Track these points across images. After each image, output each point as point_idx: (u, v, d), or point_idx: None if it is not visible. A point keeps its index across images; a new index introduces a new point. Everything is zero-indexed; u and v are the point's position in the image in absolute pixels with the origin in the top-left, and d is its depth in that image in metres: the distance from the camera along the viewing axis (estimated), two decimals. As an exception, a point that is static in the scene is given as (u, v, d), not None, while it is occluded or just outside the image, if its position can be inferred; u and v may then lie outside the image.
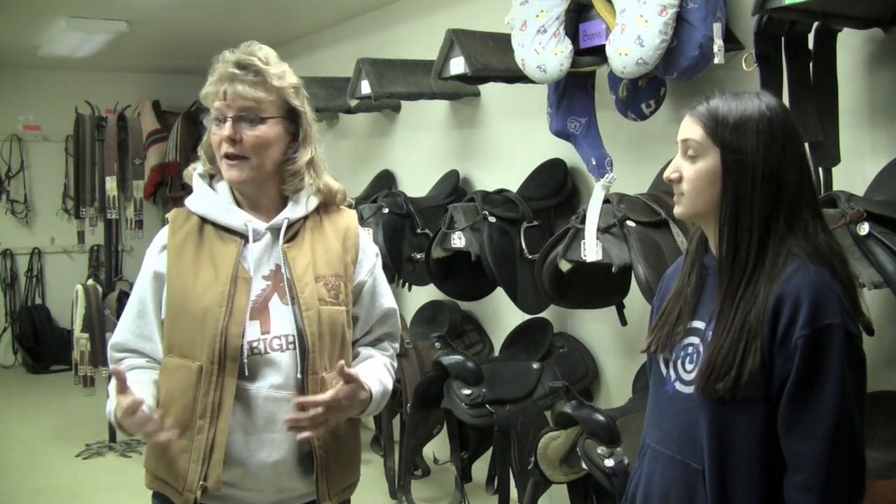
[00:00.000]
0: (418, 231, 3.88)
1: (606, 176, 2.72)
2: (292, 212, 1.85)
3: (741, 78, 2.43)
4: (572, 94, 2.81)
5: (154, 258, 1.85)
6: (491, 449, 3.32)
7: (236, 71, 1.75)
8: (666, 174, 1.58)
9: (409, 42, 4.56)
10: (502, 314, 3.92)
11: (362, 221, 3.75)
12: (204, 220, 1.84)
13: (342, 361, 1.75)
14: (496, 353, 3.87)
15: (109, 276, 6.04)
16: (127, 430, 1.69)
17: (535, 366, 3.34)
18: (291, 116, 1.83)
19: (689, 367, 1.56)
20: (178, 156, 6.35)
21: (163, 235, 1.87)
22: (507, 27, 2.84)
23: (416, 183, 4.44)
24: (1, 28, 5.41)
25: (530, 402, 3.23)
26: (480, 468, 3.51)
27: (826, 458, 1.40)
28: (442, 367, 3.25)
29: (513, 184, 3.57)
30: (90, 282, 5.73)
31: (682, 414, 1.56)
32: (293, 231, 1.85)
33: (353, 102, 4.13)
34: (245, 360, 1.74)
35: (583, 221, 2.63)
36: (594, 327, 3.49)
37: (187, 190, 1.92)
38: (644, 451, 1.67)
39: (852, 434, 1.42)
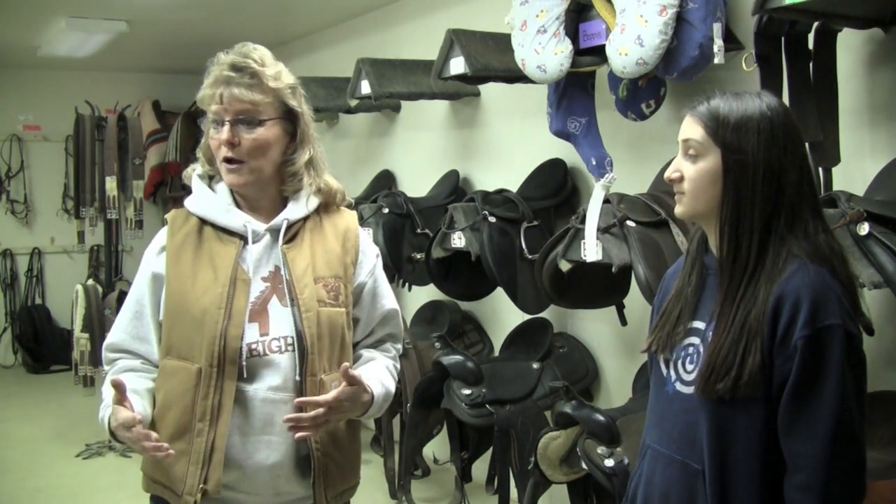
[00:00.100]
0: (418, 231, 3.87)
1: (606, 176, 2.72)
2: (292, 212, 1.84)
3: (741, 78, 2.43)
4: (572, 94, 2.81)
5: (153, 259, 1.84)
6: (491, 449, 3.32)
7: (231, 73, 1.74)
8: (667, 174, 1.58)
9: (409, 42, 4.56)
10: (502, 314, 3.92)
11: (362, 221, 3.75)
12: (203, 222, 1.83)
13: (346, 363, 1.74)
14: (496, 353, 3.87)
15: (109, 276, 6.05)
16: (121, 440, 1.68)
17: (535, 366, 3.34)
18: (289, 117, 1.82)
19: (689, 367, 1.56)
20: (178, 156, 6.35)
21: (162, 236, 1.86)
22: (507, 27, 2.84)
23: (416, 183, 4.44)
24: (1, 28, 5.41)
25: (530, 402, 3.23)
26: (480, 468, 3.51)
27: (826, 458, 1.40)
28: (442, 367, 3.25)
29: (513, 184, 3.57)
30: (90, 282, 5.73)
31: (682, 414, 1.56)
32: (293, 232, 1.84)
33: (353, 102, 4.13)
34: (244, 363, 1.73)
35: (583, 221, 2.63)
36: (594, 327, 3.49)
37: (187, 190, 1.91)
38: (644, 452, 1.67)
39: (852, 434, 1.42)
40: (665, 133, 2.99)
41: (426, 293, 4.22)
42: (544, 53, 2.70)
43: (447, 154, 4.36)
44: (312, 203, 1.87)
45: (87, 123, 6.12)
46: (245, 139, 1.75)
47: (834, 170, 2.34)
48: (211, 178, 1.89)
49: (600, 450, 2.46)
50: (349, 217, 1.95)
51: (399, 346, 2.03)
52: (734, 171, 1.49)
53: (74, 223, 6.57)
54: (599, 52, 2.64)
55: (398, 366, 2.00)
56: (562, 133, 2.85)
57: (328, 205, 1.92)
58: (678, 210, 1.59)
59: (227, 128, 1.75)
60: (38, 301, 7.24)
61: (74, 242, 6.79)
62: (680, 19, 2.41)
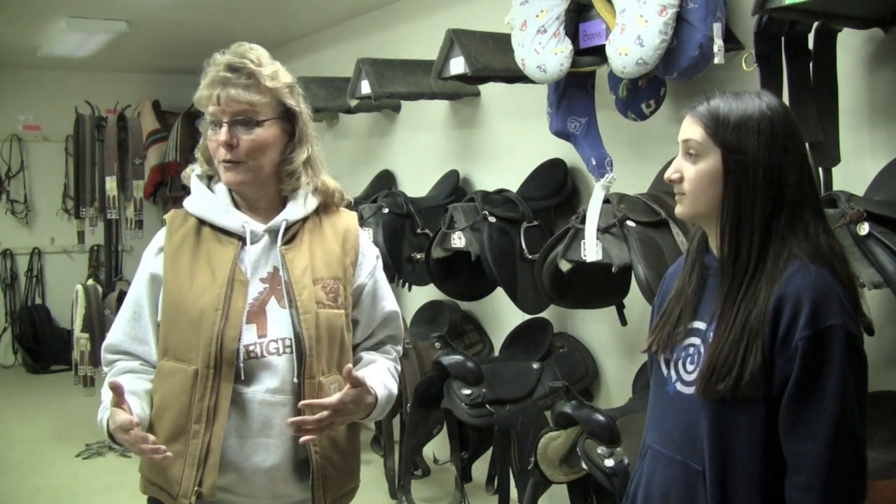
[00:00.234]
0: (418, 231, 3.87)
1: (606, 176, 2.72)
2: (291, 213, 1.83)
3: (741, 78, 2.43)
4: (572, 94, 2.81)
5: (151, 260, 1.84)
6: (491, 449, 3.32)
7: (228, 74, 1.73)
8: (667, 175, 1.58)
9: (409, 42, 4.56)
10: (502, 314, 3.92)
11: (362, 221, 3.75)
12: (202, 222, 1.82)
13: (349, 365, 1.74)
14: (496, 353, 3.87)
15: (109, 276, 6.05)
16: (119, 442, 1.68)
17: (535, 366, 3.34)
18: (287, 116, 1.81)
19: (689, 367, 1.56)
20: (178, 156, 6.36)
21: (160, 237, 1.86)
22: (507, 27, 2.84)
23: (416, 183, 4.44)
24: (1, 28, 5.41)
25: (530, 402, 3.23)
26: (480, 468, 3.51)
27: (827, 458, 1.40)
28: (442, 367, 3.25)
29: (513, 184, 3.57)
30: (90, 282, 5.74)
31: (682, 414, 1.56)
32: (292, 233, 1.83)
33: (353, 102, 4.13)
34: (241, 365, 1.73)
35: (583, 221, 2.63)
36: (594, 327, 3.49)
37: (187, 190, 1.90)
38: (644, 452, 1.67)
39: (853, 435, 1.42)
40: (665, 133, 2.99)
41: (426, 293, 4.22)
42: (544, 53, 2.70)
43: (447, 154, 4.36)
44: (311, 203, 1.86)
45: (87, 123, 6.13)
46: (243, 140, 1.75)
47: (834, 170, 2.34)
48: (210, 179, 1.88)
49: (600, 450, 2.46)
50: (349, 218, 1.94)
51: (399, 347, 2.02)
52: (734, 171, 1.48)
53: (74, 223, 6.58)
54: (599, 52, 2.64)
55: (399, 367, 1.99)
56: (562, 133, 2.85)
57: (327, 205, 1.91)
58: (678, 210, 1.59)
59: (224, 129, 1.74)
60: (38, 301, 7.24)
61: (74, 242, 6.80)
62: (680, 19, 2.41)
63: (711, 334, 1.51)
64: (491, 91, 3.93)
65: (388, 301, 1.96)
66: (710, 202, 1.52)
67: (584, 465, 2.51)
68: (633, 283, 2.80)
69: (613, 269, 2.52)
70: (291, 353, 1.76)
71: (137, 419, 1.65)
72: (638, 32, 2.42)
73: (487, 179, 4.01)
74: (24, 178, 7.20)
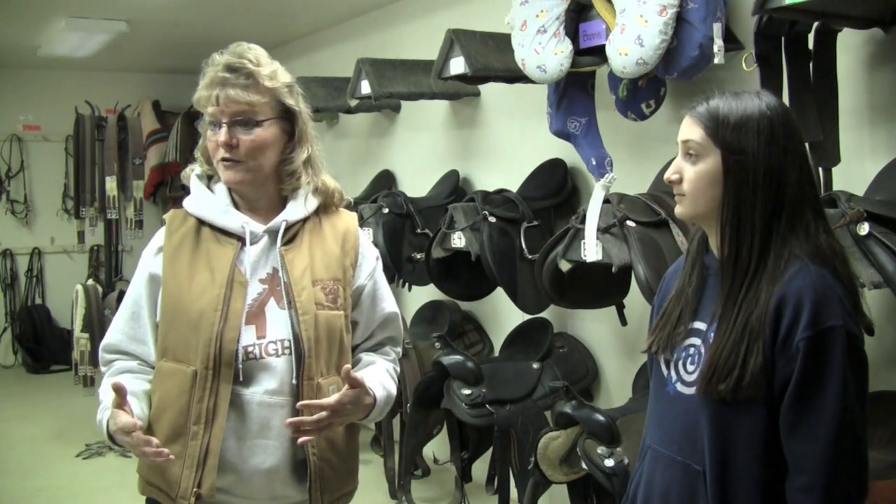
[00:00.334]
0: (418, 231, 3.87)
1: (606, 176, 2.72)
2: (291, 214, 1.83)
3: (741, 78, 2.43)
4: (572, 94, 2.81)
5: (150, 260, 1.83)
6: (491, 449, 3.32)
7: (227, 75, 1.73)
8: (666, 175, 1.58)
9: (409, 42, 4.56)
10: (502, 314, 3.92)
11: (362, 221, 3.75)
12: (201, 222, 1.82)
13: (348, 365, 1.73)
14: (496, 353, 3.87)
15: (109, 276, 6.06)
16: (119, 444, 1.68)
17: (535, 366, 3.34)
18: (287, 116, 1.81)
19: (690, 367, 1.55)
20: (178, 156, 6.36)
21: (159, 237, 1.85)
22: (507, 27, 2.84)
23: (416, 183, 4.44)
24: (1, 28, 5.41)
25: (530, 402, 3.23)
26: (480, 468, 3.51)
27: (828, 459, 1.40)
28: (442, 367, 3.24)
29: (513, 184, 3.57)
30: (90, 282, 5.74)
31: (682, 415, 1.55)
32: (291, 233, 1.83)
33: (353, 102, 4.13)
34: (240, 366, 1.72)
35: (583, 221, 2.63)
36: (594, 327, 3.49)
37: (187, 190, 1.89)
38: (644, 452, 1.67)
39: (854, 435, 1.42)
40: (665, 133, 2.99)
41: (426, 293, 4.22)
42: (544, 53, 2.70)
43: (447, 154, 4.36)
44: (311, 204, 1.86)
45: (87, 123, 6.13)
46: (243, 140, 1.74)
47: (834, 170, 2.34)
48: (209, 179, 1.88)
49: (600, 450, 2.46)
50: (348, 218, 1.94)
51: (399, 349, 2.01)
52: (735, 171, 1.48)
53: (74, 223, 6.58)
54: (599, 52, 2.64)
55: (398, 369, 1.99)
56: (562, 133, 2.85)
57: (327, 206, 1.90)
58: (678, 211, 1.58)
59: (224, 129, 1.74)
60: (38, 301, 7.24)
61: (74, 242, 6.81)
62: (680, 19, 2.41)
63: (712, 335, 1.51)
64: (491, 91, 3.93)
65: (387, 302, 1.96)
66: (710, 203, 1.52)
67: (584, 465, 2.51)
68: (633, 283, 2.80)
69: (613, 269, 2.52)
70: (290, 354, 1.75)
71: (140, 422, 1.64)
72: (638, 32, 2.42)
73: (487, 179, 4.01)
74: (24, 178, 7.20)
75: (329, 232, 1.87)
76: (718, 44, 2.42)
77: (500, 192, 3.44)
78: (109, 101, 6.52)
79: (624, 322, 3.08)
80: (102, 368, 1.84)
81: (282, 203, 1.86)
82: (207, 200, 1.83)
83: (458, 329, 4.03)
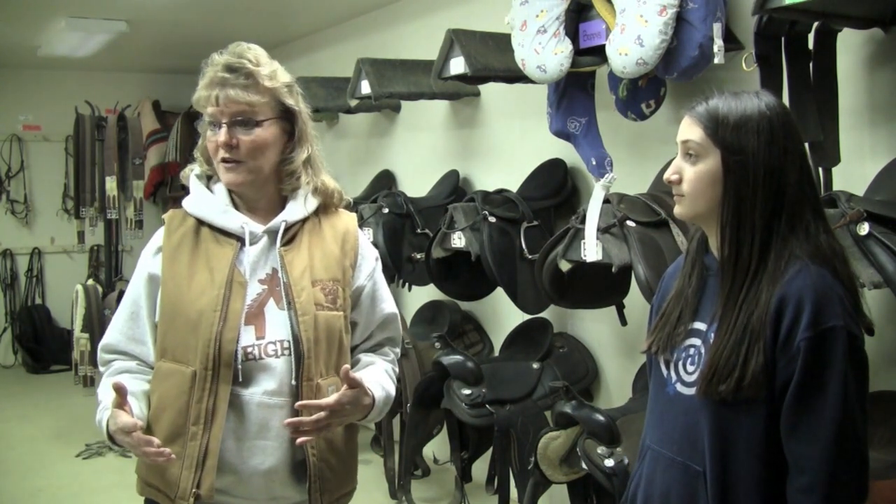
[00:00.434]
0: (418, 231, 3.87)
1: (606, 176, 2.72)
2: (290, 214, 1.82)
3: (741, 78, 2.43)
4: (572, 94, 2.81)
5: (149, 260, 1.83)
6: (491, 449, 3.32)
7: (226, 75, 1.73)
8: (666, 176, 1.57)
9: (409, 42, 4.56)
10: (502, 314, 3.92)
11: (362, 221, 3.75)
12: (200, 222, 1.81)
13: (347, 366, 1.73)
14: (496, 353, 3.87)
15: (109, 276, 6.06)
16: (119, 444, 1.68)
17: (535, 366, 3.34)
18: (286, 115, 1.80)
19: (690, 368, 1.55)
20: (178, 156, 6.37)
21: (158, 237, 1.85)
22: (507, 27, 2.84)
23: (416, 183, 4.44)
24: (1, 28, 5.41)
25: (530, 402, 3.23)
26: (480, 468, 3.51)
27: (829, 460, 1.40)
28: (442, 367, 3.24)
29: (513, 184, 3.57)
30: (90, 282, 5.74)
31: (682, 415, 1.55)
32: (291, 234, 1.83)
33: (353, 102, 4.13)
34: (239, 366, 1.72)
35: (583, 221, 2.63)
36: (594, 327, 3.49)
37: (187, 190, 1.89)
38: (644, 453, 1.66)
39: (855, 435, 1.41)
40: (665, 133, 2.99)
41: (426, 293, 4.22)
42: (544, 53, 2.70)
43: (447, 154, 4.36)
44: (311, 204, 1.86)
45: (87, 123, 6.13)
46: (243, 140, 1.74)
47: (834, 170, 2.34)
48: (209, 179, 1.87)
49: (600, 450, 2.46)
50: (348, 219, 1.93)
51: (398, 349, 2.01)
52: (735, 172, 1.48)
53: (74, 223, 6.59)
54: (599, 52, 2.64)
55: (397, 370, 1.98)
56: (562, 133, 2.85)
57: (327, 206, 1.90)
58: (677, 211, 1.58)
59: (224, 130, 1.74)
60: (38, 301, 7.24)
61: (74, 242, 6.81)
62: (680, 19, 2.41)
63: (712, 335, 1.51)
64: (491, 91, 3.93)
65: (387, 303, 1.96)
66: (710, 203, 1.51)
67: (584, 465, 2.51)
68: (633, 283, 2.80)
69: (613, 269, 2.52)
70: (290, 355, 1.75)
71: (140, 422, 1.64)
72: (638, 32, 2.42)
73: (487, 179, 4.01)
74: (24, 178, 7.20)
75: (329, 232, 1.87)
76: (718, 44, 2.42)
77: (500, 192, 3.44)
78: (109, 101, 6.52)
79: (624, 322, 3.08)
80: (101, 368, 1.84)
81: (281, 203, 1.86)
82: (207, 200, 1.83)
83: (458, 329, 4.03)
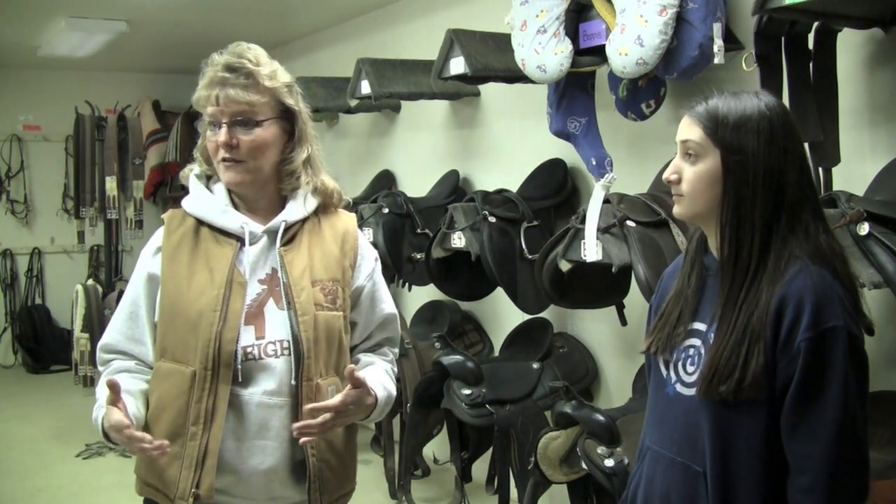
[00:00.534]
0: (418, 231, 3.87)
1: (606, 176, 2.72)
2: (290, 214, 1.82)
3: (741, 78, 2.43)
4: (572, 94, 2.81)
5: (148, 260, 1.83)
6: (491, 449, 3.32)
7: (227, 74, 1.72)
8: (665, 175, 1.57)
9: (409, 42, 4.56)
10: (502, 314, 3.92)
11: (362, 221, 3.75)
12: (200, 222, 1.81)
13: (352, 366, 1.73)
14: (496, 353, 3.87)
15: (109, 276, 6.06)
16: (114, 441, 1.67)
17: (535, 366, 3.34)
18: (286, 115, 1.80)
19: (690, 368, 1.55)
20: (178, 156, 6.37)
21: (158, 237, 1.85)
22: (507, 27, 2.84)
23: (416, 183, 4.44)
24: (1, 28, 5.41)
25: (530, 402, 3.23)
26: (480, 468, 3.51)
27: (830, 460, 1.40)
28: (442, 367, 3.24)
29: (513, 184, 3.57)
30: (90, 282, 5.74)
31: (683, 416, 1.55)
32: (291, 234, 1.82)
33: (353, 102, 4.13)
34: (239, 366, 1.72)
35: (583, 221, 2.63)
36: (594, 327, 3.49)
37: (187, 190, 1.88)
38: (644, 453, 1.66)
39: (856, 435, 1.41)
40: (665, 133, 2.99)
41: (426, 293, 4.22)
42: (544, 53, 2.70)
43: (447, 154, 4.36)
44: (311, 204, 1.85)
45: (87, 123, 6.13)
46: (243, 140, 1.74)
47: (834, 170, 2.34)
48: (208, 179, 1.87)
49: (600, 450, 2.46)
50: (347, 219, 1.93)
51: (396, 350, 2.01)
52: (734, 172, 1.47)
53: (74, 223, 6.59)
54: (599, 52, 2.64)
55: (396, 370, 1.99)
56: (562, 133, 2.85)
57: (326, 206, 1.90)
58: (676, 211, 1.58)
59: (224, 130, 1.74)
60: (38, 301, 7.24)
61: (74, 242, 6.81)
62: (680, 19, 2.41)
63: (712, 336, 1.51)
64: (491, 91, 3.93)
65: (386, 303, 1.96)
66: (709, 203, 1.51)
67: (584, 465, 2.51)
68: (633, 283, 2.80)
69: (613, 269, 2.52)
70: (289, 355, 1.75)
71: (133, 419, 1.64)
72: (638, 32, 2.42)
73: (487, 179, 4.01)
74: (24, 178, 7.20)
75: (328, 232, 1.87)
76: (718, 44, 2.42)
77: (500, 192, 3.44)
78: (109, 101, 6.52)
79: (624, 322, 3.08)
80: (100, 368, 1.84)
81: (281, 203, 1.85)
82: (206, 200, 1.83)
83: (458, 329, 4.03)
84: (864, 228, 1.96)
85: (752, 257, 1.47)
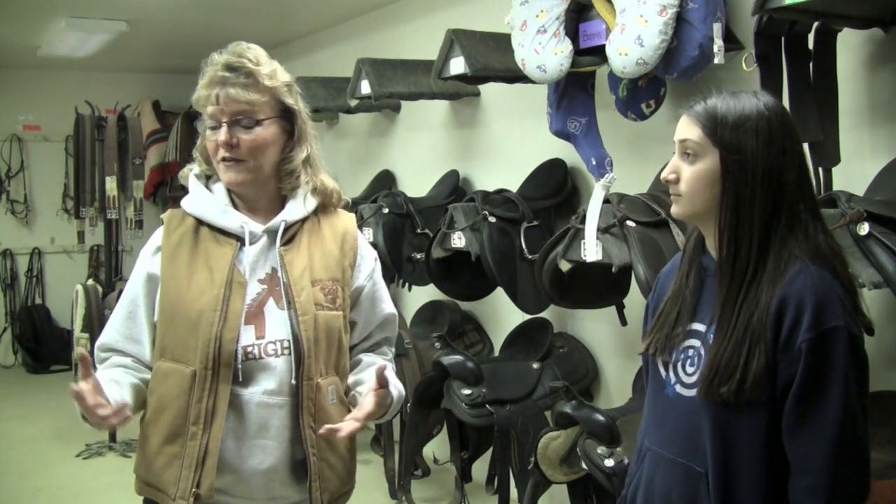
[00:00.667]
0: (418, 231, 3.87)
1: (606, 176, 2.72)
2: (290, 214, 1.82)
3: (741, 78, 2.43)
4: (572, 94, 2.81)
5: (148, 259, 1.83)
6: (491, 449, 3.32)
7: (227, 74, 1.73)
8: (663, 175, 1.56)
9: (409, 42, 4.56)
10: (502, 314, 3.92)
11: (362, 221, 3.75)
12: (200, 222, 1.81)
13: (384, 363, 1.75)
14: (496, 353, 3.87)
15: (109, 276, 6.05)
16: (83, 415, 1.64)
17: (535, 366, 3.34)
18: (286, 115, 1.80)
19: (689, 369, 1.55)
20: (178, 156, 6.37)
21: (157, 236, 1.85)
22: (507, 27, 2.84)
23: (416, 183, 4.44)
24: (1, 28, 5.41)
25: (530, 402, 3.23)
26: (480, 468, 3.51)
27: (832, 460, 1.40)
28: (442, 367, 3.24)
29: (513, 184, 3.57)
30: (90, 282, 5.73)
31: (683, 417, 1.55)
32: (290, 233, 1.83)
33: (353, 102, 4.13)
34: (239, 366, 1.72)
35: (583, 221, 2.63)
36: (594, 327, 3.49)
37: (186, 190, 1.88)
38: (643, 454, 1.66)
39: (857, 435, 1.41)
40: (665, 133, 2.99)
41: (426, 293, 4.22)
42: (544, 53, 2.70)
43: (447, 154, 4.36)
44: (310, 204, 1.86)
45: (87, 123, 6.13)
46: (243, 140, 1.74)
47: (834, 170, 2.34)
48: (208, 178, 1.87)
49: (600, 450, 2.46)
50: (347, 219, 1.94)
51: (394, 349, 2.03)
52: (733, 172, 1.47)
53: (74, 223, 6.58)
54: (599, 52, 2.64)
55: (395, 368, 1.99)
56: (562, 133, 2.85)
57: (325, 206, 1.90)
58: (674, 210, 1.57)
59: (224, 129, 1.74)
60: (38, 301, 7.24)
61: (74, 242, 6.81)
62: (680, 19, 2.41)
63: (711, 336, 1.50)
64: (491, 91, 3.93)
65: (386, 304, 1.96)
66: (708, 203, 1.51)
67: (584, 465, 2.51)
68: (633, 283, 2.80)
69: (613, 269, 2.52)
70: (289, 354, 1.75)
71: (110, 401, 1.61)
72: (638, 32, 2.42)
73: (487, 179, 4.01)
74: (24, 178, 7.20)
75: (328, 232, 1.87)
76: (718, 44, 2.42)
77: (500, 192, 3.44)
78: (109, 101, 6.52)
79: (624, 322, 3.07)
80: (98, 366, 1.84)
81: (280, 203, 1.86)
82: (206, 200, 1.83)
83: (458, 329, 4.03)
84: (864, 228, 1.96)
85: (751, 257, 1.47)
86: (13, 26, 5.36)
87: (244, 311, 1.75)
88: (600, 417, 2.52)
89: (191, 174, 1.87)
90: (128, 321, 1.82)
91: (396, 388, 1.86)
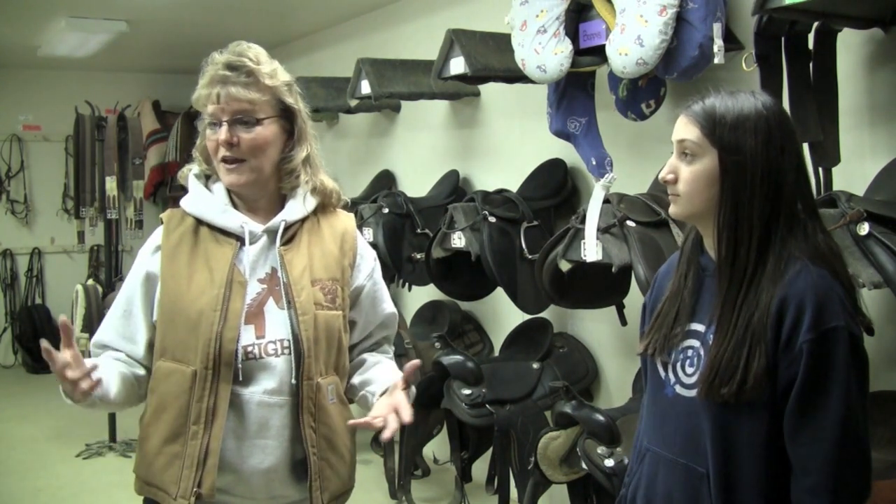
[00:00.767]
0: (418, 231, 3.87)
1: (606, 176, 2.72)
2: (290, 213, 1.83)
3: (741, 78, 2.43)
4: (572, 94, 2.81)
5: (147, 258, 1.83)
6: (491, 449, 3.32)
7: (227, 73, 1.73)
8: (661, 175, 1.56)
9: (409, 42, 4.56)
10: (502, 314, 3.92)
11: (362, 221, 3.75)
12: (199, 222, 1.81)
13: (416, 361, 1.75)
14: (496, 353, 3.87)
15: (109, 276, 6.04)
16: (70, 396, 1.63)
17: (535, 366, 3.34)
18: (286, 114, 1.80)
19: (689, 370, 1.54)
20: (178, 156, 6.37)
21: (157, 236, 1.85)
22: (507, 27, 2.84)
23: (416, 183, 4.44)
24: (1, 28, 5.41)
25: (530, 402, 3.23)
26: (480, 468, 3.51)
27: (834, 461, 1.40)
28: (442, 367, 3.24)
29: (513, 184, 3.57)
30: (90, 282, 5.73)
31: (683, 417, 1.54)
32: (290, 233, 1.83)
33: (353, 102, 4.13)
34: (239, 365, 1.72)
35: (583, 221, 2.63)
36: (594, 327, 3.49)
37: (186, 190, 1.88)
38: (643, 455, 1.65)
39: (858, 436, 1.41)
40: (665, 133, 2.96)
41: (426, 293, 4.22)
42: (544, 53, 2.70)
43: (447, 154, 4.36)
44: (310, 203, 1.86)
45: (87, 123, 6.12)
46: (243, 139, 1.74)
47: (834, 170, 2.34)
48: (207, 178, 1.87)
49: (600, 450, 2.46)
50: (346, 219, 1.94)
51: (393, 347, 2.03)
52: (732, 172, 1.46)
53: (74, 223, 6.57)
54: (599, 52, 2.64)
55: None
56: (562, 133, 2.85)
57: (325, 206, 1.90)
58: (673, 210, 1.57)
59: (224, 128, 1.74)
60: (38, 301, 7.24)
61: (74, 242, 6.80)
62: (680, 19, 2.41)
63: (711, 336, 1.50)
64: (491, 91, 3.93)
65: (387, 303, 1.97)
66: (706, 203, 1.50)
67: (584, 465, 2.51)
68: (633, 283, 2.80)
69: (613, 269, 2.52)
70: (290, 354, 1.75)
71: (56, 353, 1.58)
72: (638, 32, 2.42)
73: (487, 179, 4.01)
74: (24, 178, 7.20)
75: (327, 232, 1.87)
76: (718, 44, 2.42)
77: (500, 192, 3.44)
78: (109, 101, 6.51)
79: (624, 322, 3.07)
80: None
81: (280, 202, 1.86)
82: (206, 200, 1.83)
83: (458, 329, 4.03)
84: (864, 228, 1.96)
85: (750, 258, 1.46)
86: (13, 26, 5.37)
87: (244, 310, 1.75)
88: (600, 417, 2.52)
89: (190, 174, 1.87)
90: (123, 320, 1.82)
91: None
